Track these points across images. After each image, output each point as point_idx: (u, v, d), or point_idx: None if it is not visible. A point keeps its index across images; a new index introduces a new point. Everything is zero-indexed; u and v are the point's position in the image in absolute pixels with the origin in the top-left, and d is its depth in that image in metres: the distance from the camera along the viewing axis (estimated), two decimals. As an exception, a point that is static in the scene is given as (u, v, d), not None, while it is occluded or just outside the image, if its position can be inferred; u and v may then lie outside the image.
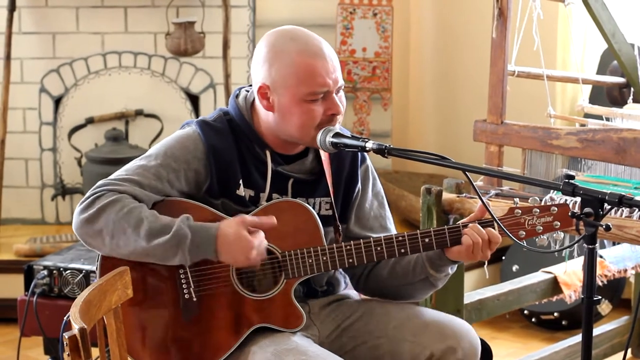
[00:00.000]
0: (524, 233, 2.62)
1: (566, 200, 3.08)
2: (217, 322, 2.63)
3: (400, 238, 2.63)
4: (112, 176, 2.63)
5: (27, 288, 3.83)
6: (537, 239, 2.64)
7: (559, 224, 2.62)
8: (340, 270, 2.82)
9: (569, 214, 2.32)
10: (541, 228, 2.62)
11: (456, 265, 2.72)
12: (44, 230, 5.65)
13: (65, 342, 2.07)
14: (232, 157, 2.66)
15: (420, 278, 2.73)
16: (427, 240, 2.63)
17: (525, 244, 2.57)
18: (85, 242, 2.59)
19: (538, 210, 2.62)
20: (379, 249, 2.63)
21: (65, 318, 2.69)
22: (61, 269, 3.79)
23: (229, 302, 2.62)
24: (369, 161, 2.84)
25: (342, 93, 2.67)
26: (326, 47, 2.64)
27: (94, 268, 3.57)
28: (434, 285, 2.75)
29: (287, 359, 2.51)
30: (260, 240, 2.56)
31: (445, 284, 2.82)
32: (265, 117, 2.67)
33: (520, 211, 2.62)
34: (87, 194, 2.59)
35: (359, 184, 2.80)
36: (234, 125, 2.69)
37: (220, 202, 2.66)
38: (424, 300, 3.44)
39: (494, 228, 2.62)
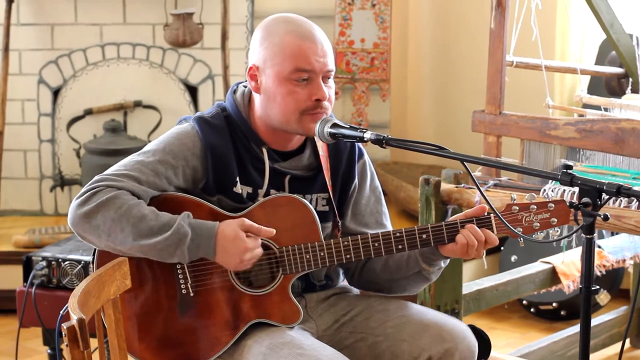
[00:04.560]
0: (521, 229, 2.59)
1: (564, 192, 3.08)
2: (214, 317, 2.62)
3: (397, 234, 2.61)
4: (109, 171, 2.60)
5: (25, 279, 3.83)
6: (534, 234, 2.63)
7: (555, 220, 2.59)
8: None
9: (568, 203, 2.31)
10: (538, 225, 2.60)
11: (449, 259, 2.70)
12: (42, 222, 5.65)
13: (64, 333, 2.07)
14: (229, 155, 2.63)
15: (414, 272, 2.71)
16: (424, 236, 2.61)
17: (526, 237, 2.56)
18: (81, 236, 2.57)
19: (535, 207, 2.59)
20: (376, 245, 2.62)
21: (63, 309, 2.69)
22: (60, 260, 3.79)
23: (226, 298, 2.61)
24: (366, 156, 2.81)
25: (332, 83, 2.64)
26: (319, 32, 2.62)
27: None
28: (428, 278, 2.73)
29: (282, 353, 2.50)
30: (256, 245, 2.55)
31: (444, 275, 2.82)
32: (259, 107, 2.66)
33: (517, 208, 2.60)
34: (84, 189, 2.56)
35: (356, 180, 2.78)
36: (231, 122, 2.67)
37: (216, 199, 2.64)
38: (422, 290, 3.44)
39: (490, 227, 2.61)
